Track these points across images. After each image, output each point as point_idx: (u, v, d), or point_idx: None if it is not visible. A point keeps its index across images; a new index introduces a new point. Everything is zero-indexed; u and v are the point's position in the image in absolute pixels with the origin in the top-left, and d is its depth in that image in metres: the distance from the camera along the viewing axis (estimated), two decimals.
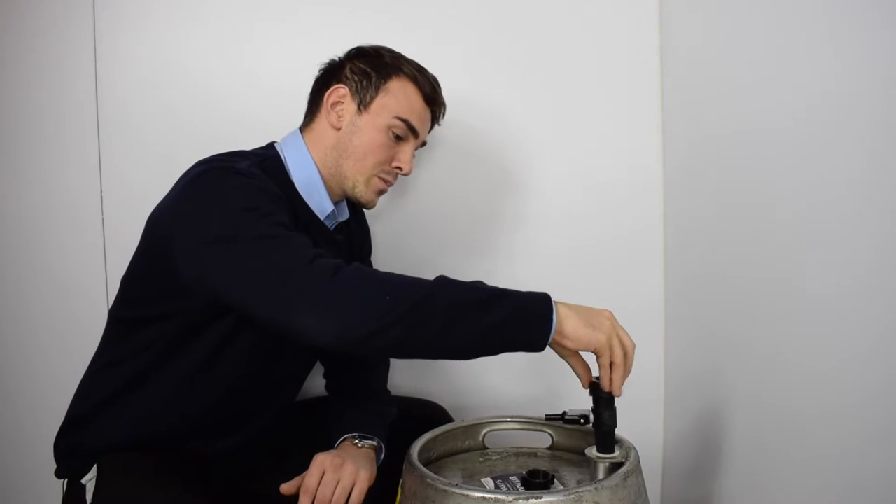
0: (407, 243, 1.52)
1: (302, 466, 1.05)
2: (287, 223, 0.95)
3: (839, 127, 0.88)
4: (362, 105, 1.14)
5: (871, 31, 0.82)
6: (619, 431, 1.06)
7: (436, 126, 1.25)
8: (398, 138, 1.15)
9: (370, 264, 1.40)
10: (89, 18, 1.45)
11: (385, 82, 1.14)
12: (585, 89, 1.50)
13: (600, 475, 1.03)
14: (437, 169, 1.51)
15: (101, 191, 1.47)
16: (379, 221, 1.48)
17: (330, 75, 1.18)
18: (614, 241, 1.52)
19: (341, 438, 1.13)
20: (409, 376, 1.52)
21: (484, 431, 1.21)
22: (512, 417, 1.21)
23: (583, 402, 1.08)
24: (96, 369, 1.11)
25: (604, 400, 1.03)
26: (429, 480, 0.97)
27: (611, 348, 0.93)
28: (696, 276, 1.38)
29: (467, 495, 0.92)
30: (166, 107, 1.47)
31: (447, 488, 0.94)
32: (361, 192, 1.16)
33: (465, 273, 0.90)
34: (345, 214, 1.23)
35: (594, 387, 1.04)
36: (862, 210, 0.84)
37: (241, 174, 0.98)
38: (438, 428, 1.16)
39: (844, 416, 0.89)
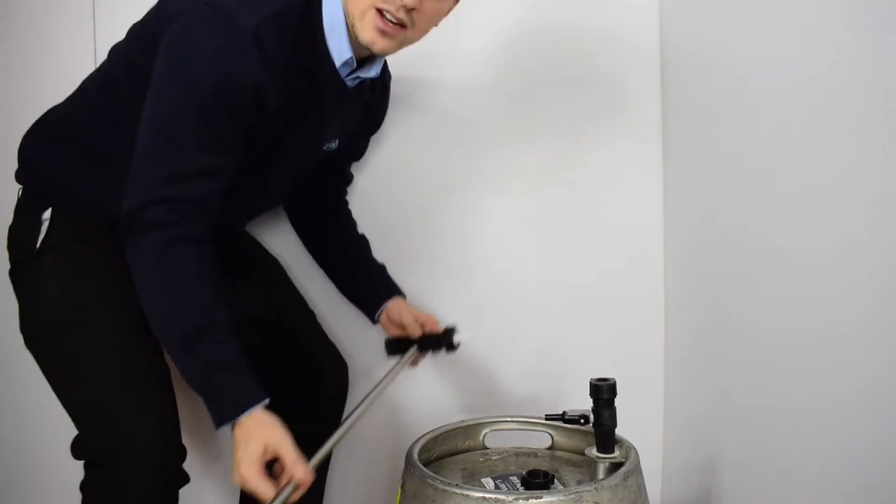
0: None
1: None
2: (224, 127, 0.98)
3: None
4: None
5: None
6: (619, 431, 1.06)
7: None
8: None
9: (365, 143, 1.39)
10: (89, 18, 1.45)
11: None
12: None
13: (600, 475, 1.03)
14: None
15: None
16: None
17: None
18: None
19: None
20: (408, 375, 1.51)
21: (484, 431, 1.21)
22: (512, 417, 1.21)
23: (583, 402, 1.08)
24: (89, 100, 1.12)
25: (604, 400, 1.03)
26: (429, 480, 0.97)
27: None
28: (699, 269, 1.38)
29: (467, 495, 0.92)
30: None
31: (447, 488, 0.94)
32: (360, 29, 1.03)
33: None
34: (371, 72, 1.14)
35: (594, 387, 1.04)
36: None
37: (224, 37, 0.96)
38: (438, 428, 1.16)
39: (844, 417, 0.89)
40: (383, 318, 1.33)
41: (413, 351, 1.26)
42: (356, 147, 1.38)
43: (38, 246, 1.08)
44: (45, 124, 1.17)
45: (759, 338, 1.11)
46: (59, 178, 1.11)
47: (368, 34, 1.02)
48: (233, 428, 0.93)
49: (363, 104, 1.22)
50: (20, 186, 1.16)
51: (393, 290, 1.35)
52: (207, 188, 0.99)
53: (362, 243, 1.39)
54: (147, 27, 1.07)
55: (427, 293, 1.49)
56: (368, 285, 1.36)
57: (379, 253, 1.42)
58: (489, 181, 1.52)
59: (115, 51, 1.13)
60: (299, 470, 0.91)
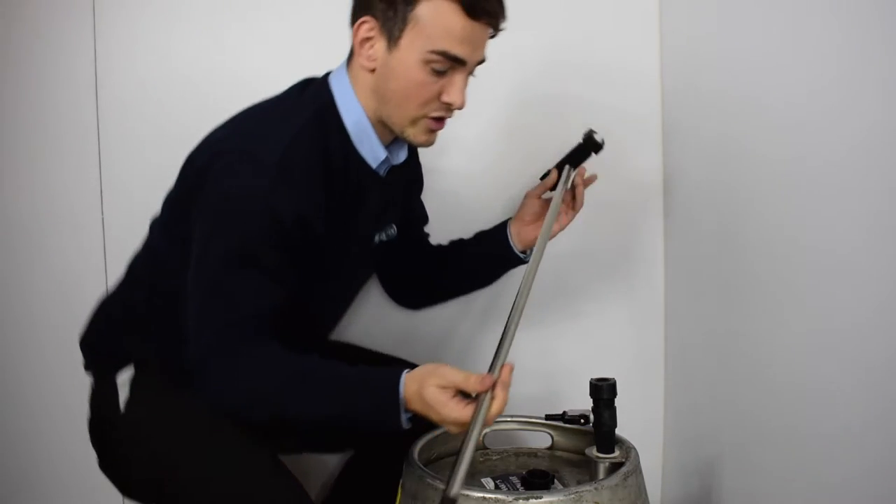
0: None
1: None
2: (274, 264, 0.96)
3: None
4: (391, 41, 0.98)
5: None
6: (619, 431, 1.06)
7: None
8: (441, 73, 0.99)
9: (420, 204, 1.34)
10: (89, 18, 1.45)
11: (412, 8, 0.96)
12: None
13: (600, 475, 1.03)
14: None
15: (101, 191, 1.47)
16: None
17: (358, 3, 1.03)
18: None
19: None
20: None
21: (484, 431, 1.21)
22: (512, 417, 1.21)
23: (583, 402, 1.08)
24: (139, 279, 1.11)
25: (604, 400, 1.04)
26: (429, 480, 0.97)
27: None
28: (699, 269, 1.38)
29: (467, 495, 0.92)
30: (166, 107, 1.46)
31: None
32: (412, 136, 1.05)
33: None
34: (401, 157, 1.14)
35: (594, 387, 1.04)
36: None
37: (254, 183, 0.95)
38: (439, 428, 1.16)
39: (844, 417, 0.89)
40: (518, 229, 1.25)
41: (568, 170, 1.20)
42: (414, 215, 1.33)
43: (122, 407, 1.07)
44: (104, 317, 1.15)
45: (760, 338, 1.11)
46: (133, 358, 1.10)
47: (423, 138, 1.05)
48: (408, 410, 0.92)
49: (399, 180, 1.19)
50: (90, 376, 1.14)
51: (501, 223, 1.28)
52: (263, 325, 0.97)
53: (453, 243, 1.35)
54: (178, 198, 1.07)
55: None
56: (484, 246, 1.29)
57: None
58: None
59: (154, 225, 1.13)
60: (471, 383, 0.90)
